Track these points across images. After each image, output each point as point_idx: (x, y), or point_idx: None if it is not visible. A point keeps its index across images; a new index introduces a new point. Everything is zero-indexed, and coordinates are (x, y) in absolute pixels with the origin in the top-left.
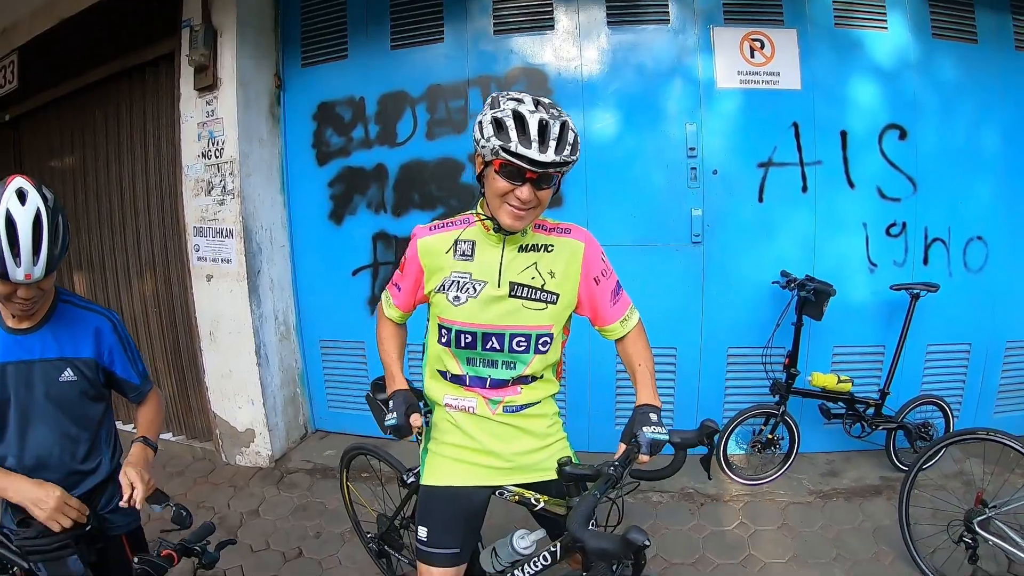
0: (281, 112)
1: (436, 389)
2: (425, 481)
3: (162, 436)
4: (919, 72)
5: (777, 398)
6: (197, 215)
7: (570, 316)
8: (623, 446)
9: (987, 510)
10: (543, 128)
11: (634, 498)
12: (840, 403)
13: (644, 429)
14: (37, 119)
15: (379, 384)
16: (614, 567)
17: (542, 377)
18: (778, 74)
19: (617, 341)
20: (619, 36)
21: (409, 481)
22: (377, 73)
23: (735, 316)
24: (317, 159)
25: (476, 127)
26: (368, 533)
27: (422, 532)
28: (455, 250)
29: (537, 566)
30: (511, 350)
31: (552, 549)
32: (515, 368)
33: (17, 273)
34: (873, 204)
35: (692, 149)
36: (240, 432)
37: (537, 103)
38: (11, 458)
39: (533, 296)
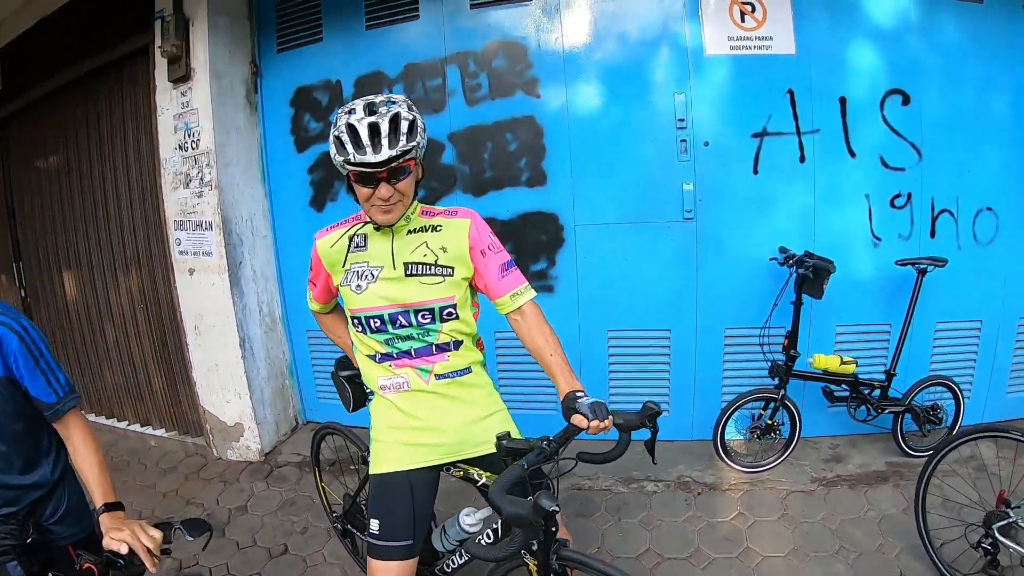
0: (258, 99)
1: (370, 374)
2: (372, 470)
3: (154, 432)
4: (921, 34)
5: (777, 381)
6: (177, 209)
7: (474, 291)
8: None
9: (1011, 512)
10: (373, 131)
11: (627, 488)
12: (844, 386)
13: (579, 402)
14: (22, 120)
15: (343, 362)
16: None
17: (463, 343)
18: (771, 39)
19: (513, 321)
20: (601, 4)
21: (369, 459)
22: (353, 54)
23: (731, 295)
24: (296, 145)
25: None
26: (334, 513)
27: (374, 525)
28: (351, 244)
29: (483, 543)
30: (419, 324)
31: (495, 527)
32: (430, 336)
33: None
34: (876, 174)
35: (681, 120)
36: (229, 426)
37: (369, 107)
38: None
39: (428, 272)
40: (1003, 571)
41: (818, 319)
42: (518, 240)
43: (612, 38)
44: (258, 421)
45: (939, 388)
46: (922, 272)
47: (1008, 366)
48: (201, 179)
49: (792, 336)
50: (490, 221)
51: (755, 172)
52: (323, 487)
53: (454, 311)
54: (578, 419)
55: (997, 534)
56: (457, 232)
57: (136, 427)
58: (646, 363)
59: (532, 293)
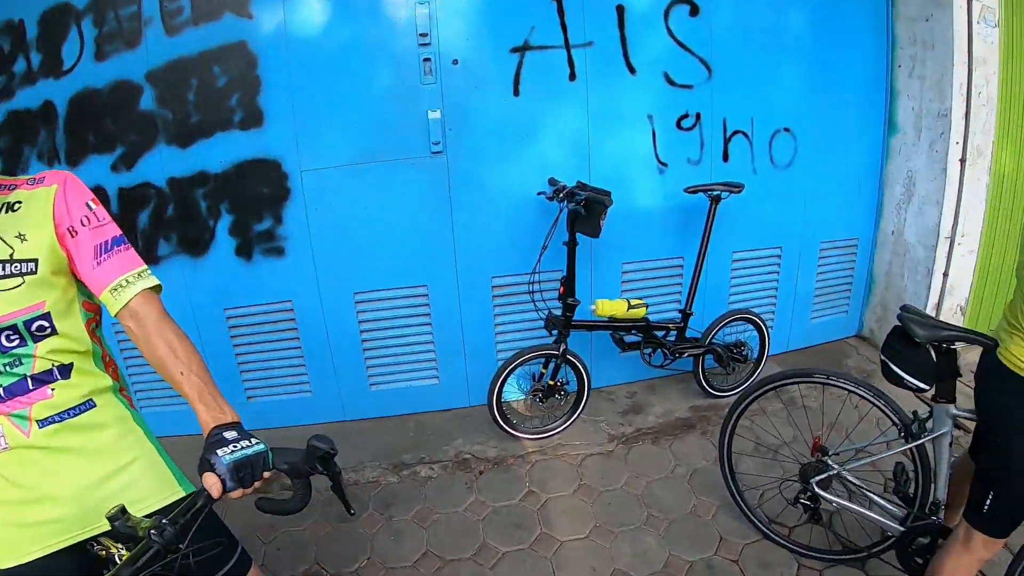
0: None
1: None
2: None
3: None
4: None
5: (556, 335)
6: None
7: (80, 288)
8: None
9: (830, 461)
10: None
11: (398, 475)
12: (635, 331)
13: (218, 453)
14: None
15: None
16: None
17: (74, 367)
18: None
19: (127, 328)
20: None
21: None
22: None
23: (496, 239)
24: None
25: None
26: None
27: None
28: None
29: None
30: (3, 350)
31: None
32: (22, 364)
33: None
34: (660, 92)
35: (424, 36)
36: None
37: None
38: None
39: (1, 273)
40: (831, 518)
41: (600, 259)
42: (235, 197)
43: None
44: None
45: (741, 323)
46: (715, 199)
47: (811, 293)
48: None
49: (568, 282)
50: (201, 176)
51: (516, 93)
52: None
53: (49, 323)
54: (211, 481)
55: (817, 489)
56: (40, 208)
57: None
58: (403, 326)
59: (148, 281)
